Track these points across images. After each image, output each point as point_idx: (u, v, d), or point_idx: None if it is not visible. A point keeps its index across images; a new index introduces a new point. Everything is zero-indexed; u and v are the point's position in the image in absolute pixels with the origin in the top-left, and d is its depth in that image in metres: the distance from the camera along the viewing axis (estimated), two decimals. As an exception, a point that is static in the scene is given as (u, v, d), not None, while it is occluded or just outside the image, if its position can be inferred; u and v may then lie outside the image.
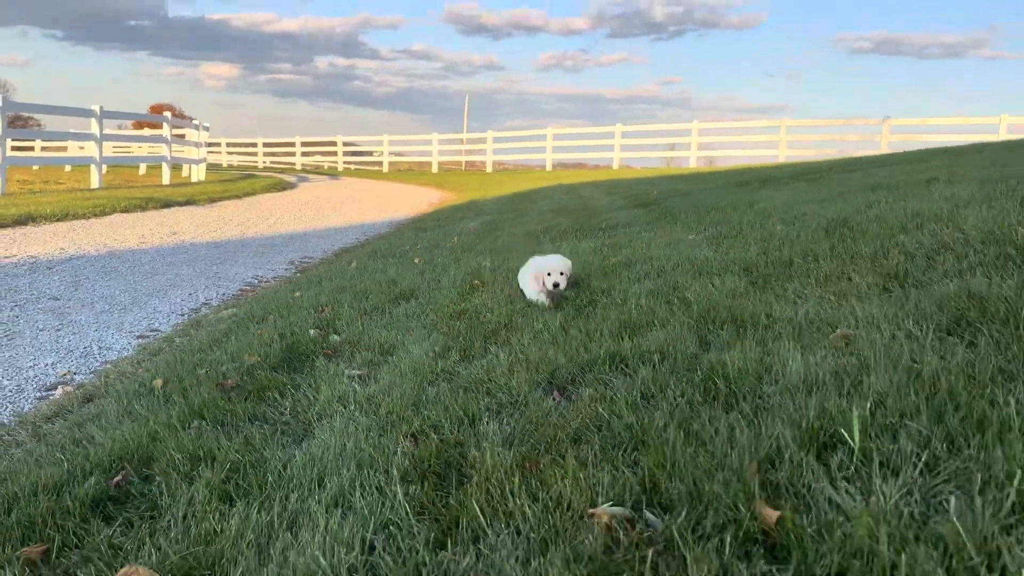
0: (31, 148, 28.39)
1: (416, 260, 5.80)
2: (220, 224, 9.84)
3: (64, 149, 25.89)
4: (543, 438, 1.81)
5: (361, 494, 1.65)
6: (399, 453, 1.85)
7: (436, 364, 2.65)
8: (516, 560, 1.31)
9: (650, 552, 1.24)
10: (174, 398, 2.64)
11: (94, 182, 14.61)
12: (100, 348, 4.02)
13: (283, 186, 18.35)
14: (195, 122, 20.11)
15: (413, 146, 31.31)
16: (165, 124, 17.30)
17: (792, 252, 3.33)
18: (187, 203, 12.21)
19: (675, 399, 1.89)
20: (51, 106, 14.58)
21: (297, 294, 4.74)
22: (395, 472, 1.73)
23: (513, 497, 1.52)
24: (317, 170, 31.26)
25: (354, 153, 33.83)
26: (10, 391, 3.33)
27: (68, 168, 23.51)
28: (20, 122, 50.70)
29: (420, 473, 1.73)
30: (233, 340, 3.56)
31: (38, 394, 3.31)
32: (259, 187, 16.74)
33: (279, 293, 5.06)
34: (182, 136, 19.97)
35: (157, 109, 61.18)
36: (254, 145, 34.88)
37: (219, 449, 2.06)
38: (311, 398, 2.50)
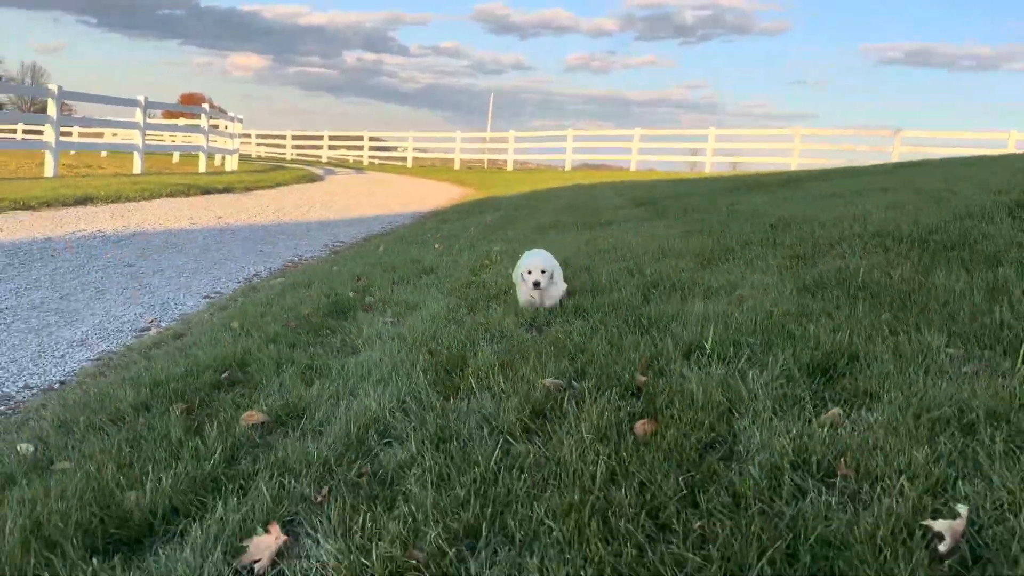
0: (69, 133, 29.74)
1: (437, 245, 6.70)
2: (258, 210, 10.81)
3: (101, 135, 27.20)
4: (518, 351, 2.69)
5: (395, 378, 2.54)
6: (420, 359, 2.73)
7: (449, 314, 3.54)
8: (491, 404, 2.20)
9: (567, 395, 2.12)
10: (251, 332, 3.55)
11: (136, 168, 15.68)
12: (175, 304, 4.95)
13: (312, 178, 19.36)
14: (230, 114, 21.20)
15: (437, 143, 32.28)
16: (203, 115, 18.36)
17: (736, 242, 4.19)
18: (225, 191, 13.22)
19: (611, 329, 2.77)
20: (100, 95, 15.68)
21: (335, 268, 5.66)
22: (418, 368, 2.62)
23: (493, 376, 2.40)
24: (343, 164, 32.31)
25: (379, 148, 34.84)
26: (112, 331, 4.26)
27: (104, 154, 24.78)
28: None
29: (434, 369, 2.61)
30: (288, 298, 4.48)
31: (134, 334, 4.24)
32: (290, 178, 17.75)
33: (319, 267, 5.99)
34: (216, 127, 21.05)
35: (187, 98, 62.72)
36: (283, 137, 36.04)
37: (295, 357, 2.96)
38: (355, 333, 3.40)
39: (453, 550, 1.47)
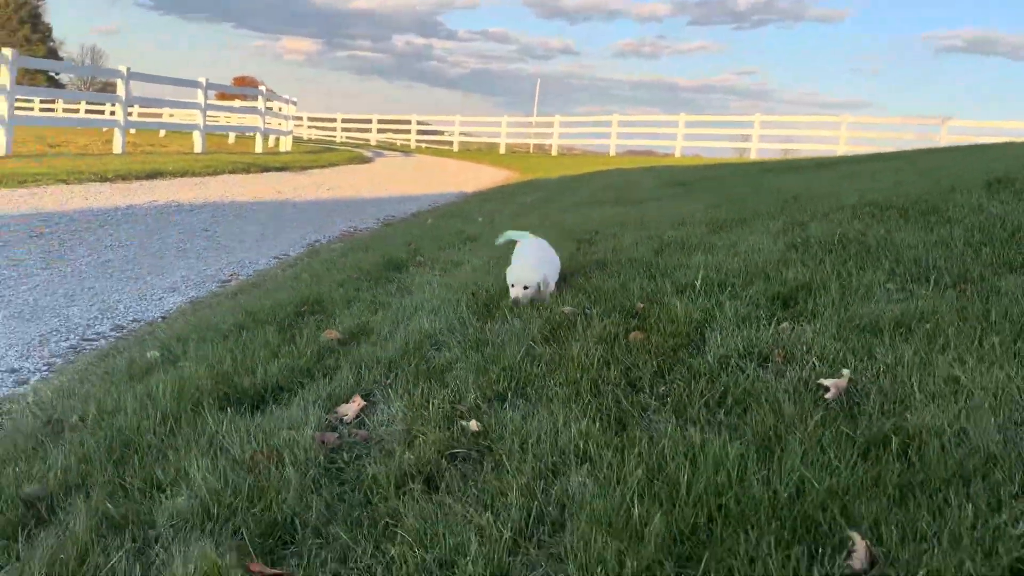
0: (129, 113, 31.10)
1: (479, 219, 7.30)
2: (314, 187, 11.55)
3: (159, 116, 28.46)
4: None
5: (443, 310, 3.14)
6: (463, 298, 3.33)
7: (488, 268, 4.13)
8: (519, 325, 2.78)
9: (579, 318, 2.70)
10: (322, 280, 4.20)
11: (197, 147, 16.60)
12: (249, 263, 5.65)
13: (362, 159, 20.14)
14: (285, 96, 22.09)
15: (482, 127, 32.86)
16: (260, 97, 19.26)
17: (749, 213, 4.70)
18: (282, 169, 14.02)
19: (624, 276, 3.33)
20: (166, 77, 16.64)
21: (388, 236, 6.30)
22: (462, 303, 3.22)
23: (522, 312, 2.99)
24: (390, 146, 33.14)
25: (425, 132, 35.59)
26: (198, 281, 4.96)
27: (162, 133, 25.98)
28: (111, 88, 54.60)
29: (475, 304, 3.20)
30: (348, 258, 5.12)
31: (217, 284, 4.93)
32: (341, 159, 18.54)
33: (373, 235, 6.65)
34: (271, 109, 21.95)
35: (240, 81, 64.33)
36: (333, 120, 37.03)
37: (360, 296, 3.59)
38: (409, 281, 4.02)
39: (486, 404, 2.07)
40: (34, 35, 60.84)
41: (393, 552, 1.39)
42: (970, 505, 1.25)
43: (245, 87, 37.39)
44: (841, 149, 21.14)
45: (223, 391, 2.39)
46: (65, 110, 33.79)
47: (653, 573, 1.20)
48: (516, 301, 3.07)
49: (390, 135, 35.70)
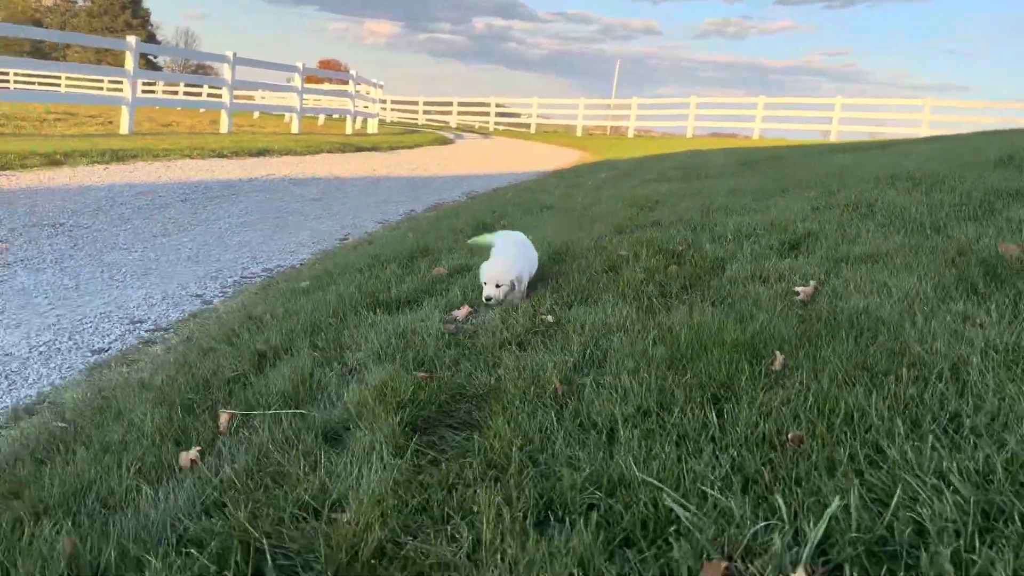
0: (218, 96, 33.29)
1: (556, 193, 8.15)
2: (403, 166, 12.61)
3: (251, 98, 30.32)
4: (608, 242, 4.11)
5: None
6: (542, 247, 4.19)
7: (562, 228, 4.99)
8: (585, 264, 3.63)
9: (630, 256, 3.54)
10: (426, 235, 5.14)
11: (294, 128, 17.95)
12: (359, 226, 6.66)
13: (444, 141, 21.21)
14: (373, 80, 23.36)
15: (560, 109, 33.57)
16: (351, 80, 20.52)
17: (792, 185, 5.41)
18: (372, 149, 15.17)
19: (674, 231, 4.14)
20: (267, 61, 18.04)
21: (475, 206, 7.23)
22: (541, 250, 4.08)
23: (587, 255, 3.84)
24: (469, 129, 34.21)
25: (503, 114, 36.51)
26: (320, 240, 5.98)
27: (256, 115, 27.74)
28: (201, 70, 57.67)
29: (550, 252, 4.07)
30: (443, 222, 6.07)
31: (335, 241, 5.94)
32: (425, 140, 19.64)
33: (461, 206, 7.59)
34: (359, 92, 23.25)
35: (324, 64, 66.73)
36: (415, 103, 38.36)
37: (459, 247, 4.51)
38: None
39: (558, 308, 2.94)
40: (134, 20, 64.45)
41: (500, 372, 2.29)
42: (852, 339, 2.05)
43: (329, 70, 39.07)
44: (923, 132, 21.02)
45: (369, 301, 3.33)
46: (165, 92, 36.20)
47: (658, 374, 2.05)
48: (489, 300, 3.02)
49: (469, 118, 36.76)
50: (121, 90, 14.04)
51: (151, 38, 62.72)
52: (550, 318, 2.81)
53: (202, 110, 27.50)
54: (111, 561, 1.47)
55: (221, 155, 10.94)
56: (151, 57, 56.78)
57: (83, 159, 8.73)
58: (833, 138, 23.24)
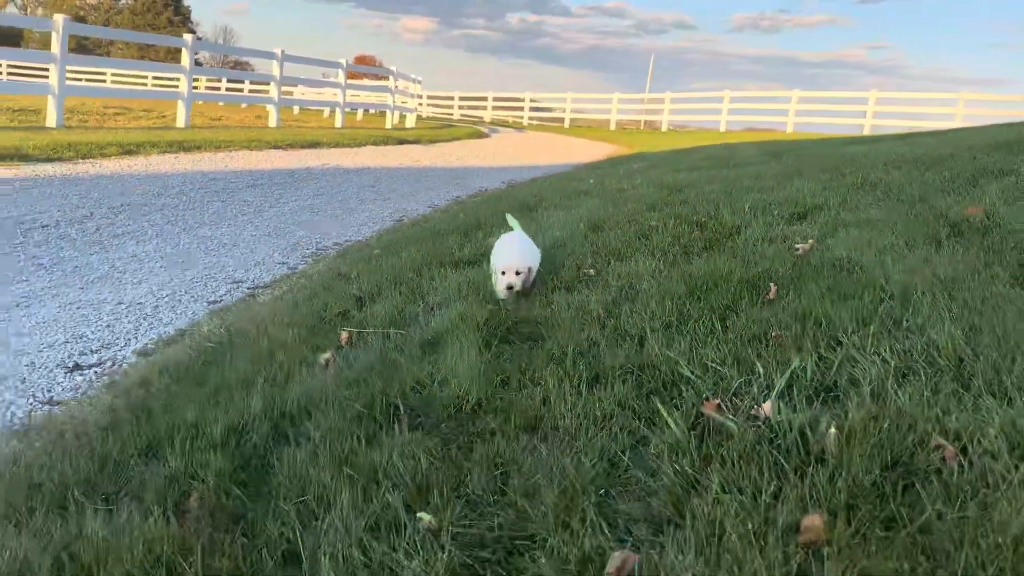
0: (264, 91, 34.49)
1: (591, 180, 8.73)
2: (443, 157, 13.29)
3: (290, 93, 31.30)
4: (638, 219, 4.70)
5: (567, 227, 4.63)
6: (581, 223, 4.80)
7: (598, 207, 5.59)
8: (621, 233, 4.23)
9: (660, 226, 4.13)
10: (477, 214, 5.77)
11: (337, 122, 18.74)
12: (412, 209, 7.32)
13: (480, 135, 21.88)
14: (412, 76, 24.11)
15: (593, 104, 34.08)
16: (391, 76, 21.27)
17: (810, 169, 5.94)
18: (414, 142, 15.87)
19: (699, 206, 4.72)
20: (312, 58, 18.88)
21: (515, 192, 7.85)
22: (580, 224, 4.69)
23: (621, 226, 4.43)
24: (503, 123, 34.85)
25: (537, 109, 37.10)
26: (377, 220, 6.64)
27: (296, 110, 28.69)
28: (239, 66, 59.15)
29: (587, 225, 4.67)
30: (489, 204, 6.70)
31: (392, 221, 6.60)
32: (461, 134, 20.33)
33: (503, 192, 8.21)
34: (397, 88, 24.01)
35: (360, 60, 67.97)
36: (451, 98, 39.12)
37: (510, 217, 5.13)
38: (539, 216, 5.53)
39: (598, 265, 3.54)
40: (176, 17, 66.20)
41: (553, 307, 2.90)
42: (832, 276, 2.64)
43: (366, 66, 40.05)
44: (956, 125, 21.18)
45: (437, 261, 3.97)
46: (208, 87, 37.39)
47: (678, 302, 2.65)
48: (509, 288, 2.98)
49: (503, 112, 37.39)
50: (176, 86, 14.92)
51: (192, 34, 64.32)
52: (592, 271, 3.42)
53: (244, 105, 28.59)
54: (289, 408, 2.11)
55: (276, 147, 11.70)
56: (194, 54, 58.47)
57: (154, 149, 9.52)
58: (867, 131, 23.47)
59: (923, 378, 1.81)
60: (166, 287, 4.18)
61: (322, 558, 1.44)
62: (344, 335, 2.76)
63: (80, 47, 50.09)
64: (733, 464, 1.55)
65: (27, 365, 2.94)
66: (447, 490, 1.62)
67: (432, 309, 3.08)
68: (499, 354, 2.41)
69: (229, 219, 6.11)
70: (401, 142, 15.37)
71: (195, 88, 31.42)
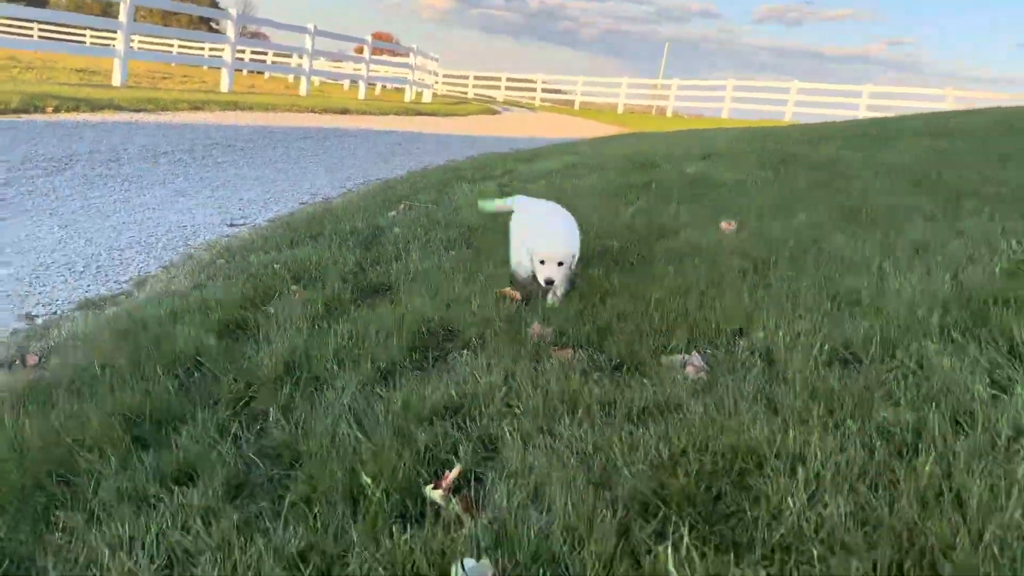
0: (263, 60, 36.49)
1: (581, 148, 10.56)
2: (459, 127, 15.11)
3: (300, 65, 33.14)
4: (605, 165, 6.54)
5: (560, 161, 6.46)
6: (576, 163, 6.63)
7: (583, 161, 7.42)
8: (603, 175, 6.07)
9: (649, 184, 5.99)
10: (490, 160, 7.62)
11: (361, 94, 20.56)
12: (432, 162, 9.16)
13: (492, 112, 23.67)
14: (431, 54, 25.87)
15: (603, 87, 35.77)
16: (411, 53, 23.06)
17: (787, 149, 7.77)
18: (432, 114, 17.69)
19: (646, 156, 6.56)
20: (340, 34, 20.68)
21: (519, 153, 9.71)
22: (575, 164, 6.52)
23: (597, 167, 6.27)
24: (515, 103, 36.58)
25: (548, 91, 38.78)
26: (408, 167, 8.50)
27: (318, 82, 30.53)
28: (256, 36, 60.97)
29: (575, 162, 6.50)
30: (499, 157, 8.54)
31: (420, 167, 8.45)
32: (475, 110, 22.12)
33: (509, 153, 10.08)
34: (416, 64, 25.76)
35: (377, 36, 69.63)
36: (466, 77, 40.81)
37: (517, 167, 6.99)
38: (539, 162, 7.37)
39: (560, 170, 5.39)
40: (196, -12, 68.01)
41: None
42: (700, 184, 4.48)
43: (384, 42, 41.62)
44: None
45: (456, 179, 5.82)
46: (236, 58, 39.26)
47: (620, 173, 4.49)
48: (549, 283, 2.47)
49: (516, 93, 39.10)
50: (220, 55, 16.78)
51: (214, 5, 66.08)
52: (558, 179, 5.26)
53: (266, 75, 30.48)
54: (382, 223, 3.98)
55: (312, 111, 13.54)
56: (212, 24, 60.25)
57: (215, 106, 11.39)
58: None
59: (782, 267, 3.66)
60: (268, 194, 6.04)
61: (411, 259, 3.30)
62: (401, 206, 4.63)
63: (104, 12, 51.95)
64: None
65: (205, 225, 4.81)
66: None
67: (452, 200, 4.94)
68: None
69: (292, 160, 7.98)
70: (420, 114, 17.19)
71: (219, 57, 33.29)
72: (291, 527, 1.35)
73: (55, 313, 3.05)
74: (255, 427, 1.79)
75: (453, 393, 1.84)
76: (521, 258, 2.66)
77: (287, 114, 12.34)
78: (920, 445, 1.49)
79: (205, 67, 26.13)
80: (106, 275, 3.64)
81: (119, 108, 9.65)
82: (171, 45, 37.10)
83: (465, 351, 2.17)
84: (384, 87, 29.26)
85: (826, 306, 2.32)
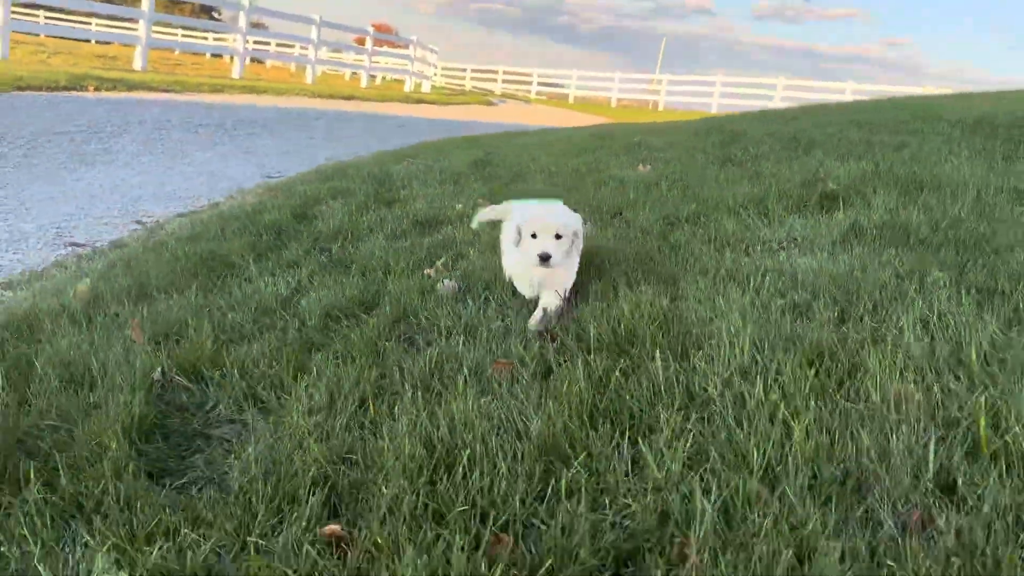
0: (265, 49, 37.76)
1: (564, 134, 11.85)
2: (457, 115, 16.40)
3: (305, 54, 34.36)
4: (572, 137, 7.82)
5: (547, 142, 7.75)
6: (562, 140, 7.91)
7: (559, 139, 8.70)
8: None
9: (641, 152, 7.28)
10: (480, 139, 8.91)
11: (363, 83, 21.83)
12: (430, 140, 10.44)
13: (488, 103, 24.96)
14: (430, 46, 27.14)
15: (596, 82, 37.07)
16: (412, 45, 24.33)
17: (752, 135, 9.07)
18: (431, 103, 18.99)
19: (612, 134, 7.84)
20: (345, 25, 21.94)
21: (509, 135, 11.00)
22: (561, 140, 7.81)
23: (565, 141, 7.56)
24: (511, 96, 37.86)
25: (544, 84, 40.08)
26: (405, 143, 9.78)
27: (319, 70, 31.78)
28: (257, 26, 62.15)
29: (570, 143, 7.78)
30: (490, 136, 9.82)
31: (418, 141, 9.73)
32: (472, 101, 23.42)
33: (501, 134, 11.38)
34: (414, 56, 27.00)
35: (376, 27, 70.92)
36: (463, 69, 42.09)
37: (508, 140, 8.28)
38: (526, 137, 8.65)
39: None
40: (197, -22, 69.23)
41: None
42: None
43: (383, 33, 42.86)
44: (916, 117, 24.14)
45: (452, 147, 7.10)
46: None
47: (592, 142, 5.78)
48: (544, 260, 2.14)
49: (512, 86, 40.39)
50: (223, 43, 18.00)
51: (214, -5, 67.24)
52: (582, 167, 6.54)
53: (268, 63, 31.72)
54: (391, 173, 5.27)
55: (319, 96, 14.82)
56: (214, 15, 61.49)
57: (232, 89, 12.67)
58: (841, 120, 26.37)
59: (663, 187, 4.95)
60: (287, 160, 7.31)
61: (415, 197, 4.58)
62: (405, 163, 5.91)
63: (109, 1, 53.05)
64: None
65: (249, 176, 6.08)
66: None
67: (447, 159, 6.22)
68: (481, 164, 5.55)
69: (312, 134, 9.27)
70: (420, 102, 18.48)
71: (223, 45, 34.46)
72: (355, 278, 2.65)
73: (158, 221, 4.35)
74: (324, 253, 3.09)
75: (441, 239, 3.13)
76: (512, 262, 2.39)
77: (298, 98, 13.61)
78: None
79: (207, 55, 27.49)
80: (185, 203, 4.93)
81: (151, 88, 10.91)
82: (175, 34, 38.37)
83: (450, 227, 3.47)
84: (384, 77, 30.52)
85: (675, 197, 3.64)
